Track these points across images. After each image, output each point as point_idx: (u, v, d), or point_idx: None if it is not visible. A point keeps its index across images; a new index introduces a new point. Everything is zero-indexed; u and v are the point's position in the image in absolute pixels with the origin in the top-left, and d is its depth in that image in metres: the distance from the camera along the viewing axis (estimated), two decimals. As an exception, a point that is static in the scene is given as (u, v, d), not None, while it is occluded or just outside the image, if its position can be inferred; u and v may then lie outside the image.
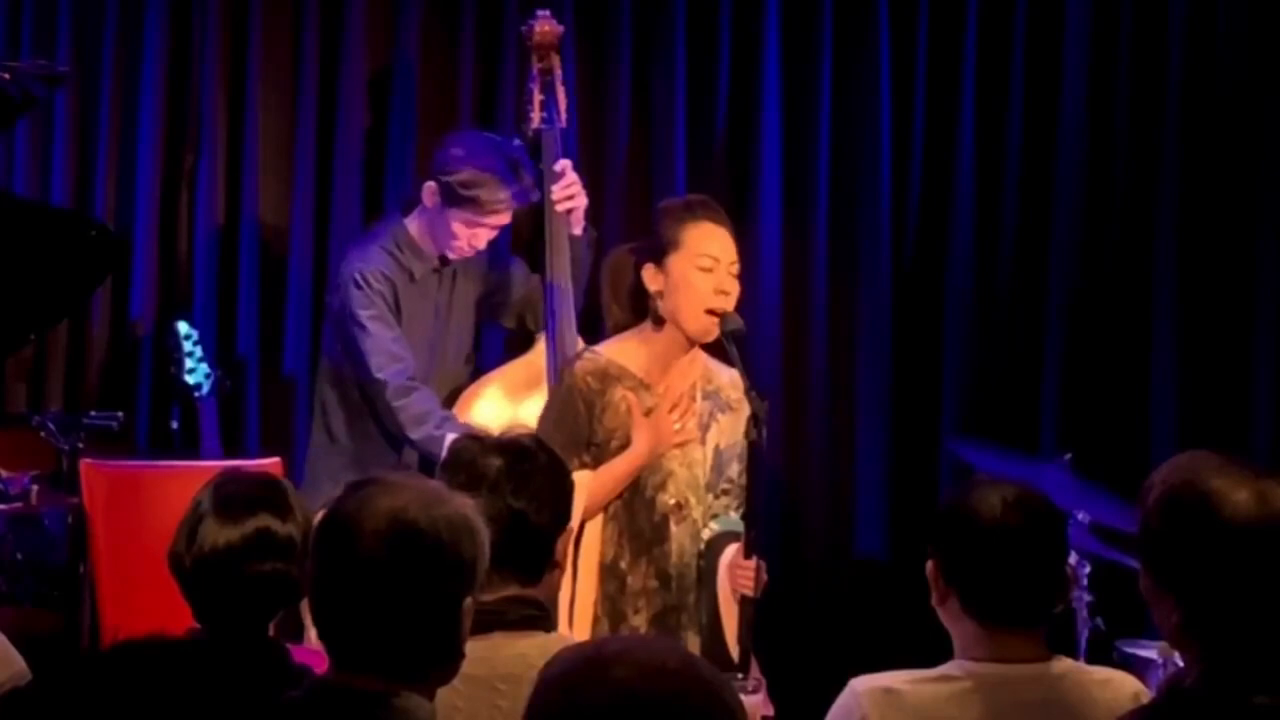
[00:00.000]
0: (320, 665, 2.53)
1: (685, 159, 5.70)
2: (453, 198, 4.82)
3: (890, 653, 3.31)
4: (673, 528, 4.06)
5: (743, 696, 2.44)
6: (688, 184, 5.65)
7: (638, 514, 4.05)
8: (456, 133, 5.15)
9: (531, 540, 2.98)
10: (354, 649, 2.40)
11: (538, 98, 4.95)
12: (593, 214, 5.61)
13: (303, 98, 5.62)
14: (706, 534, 4.09)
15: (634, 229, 5.64)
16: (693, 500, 4.08)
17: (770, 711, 3.97)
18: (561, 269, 4.85)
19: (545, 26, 4.98)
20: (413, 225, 4.95)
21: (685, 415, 4.05)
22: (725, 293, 4.01)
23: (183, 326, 5.12)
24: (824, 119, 5.74)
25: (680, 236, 4.05)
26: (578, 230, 4.93)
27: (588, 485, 3.93)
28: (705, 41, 5.72)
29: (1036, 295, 5.76)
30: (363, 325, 4.82)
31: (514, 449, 3.03)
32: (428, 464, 4.78)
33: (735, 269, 4.06)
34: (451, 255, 4.94)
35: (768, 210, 5.71)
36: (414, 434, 4.76)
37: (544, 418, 4.11)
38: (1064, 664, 2.90)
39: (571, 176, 4.90)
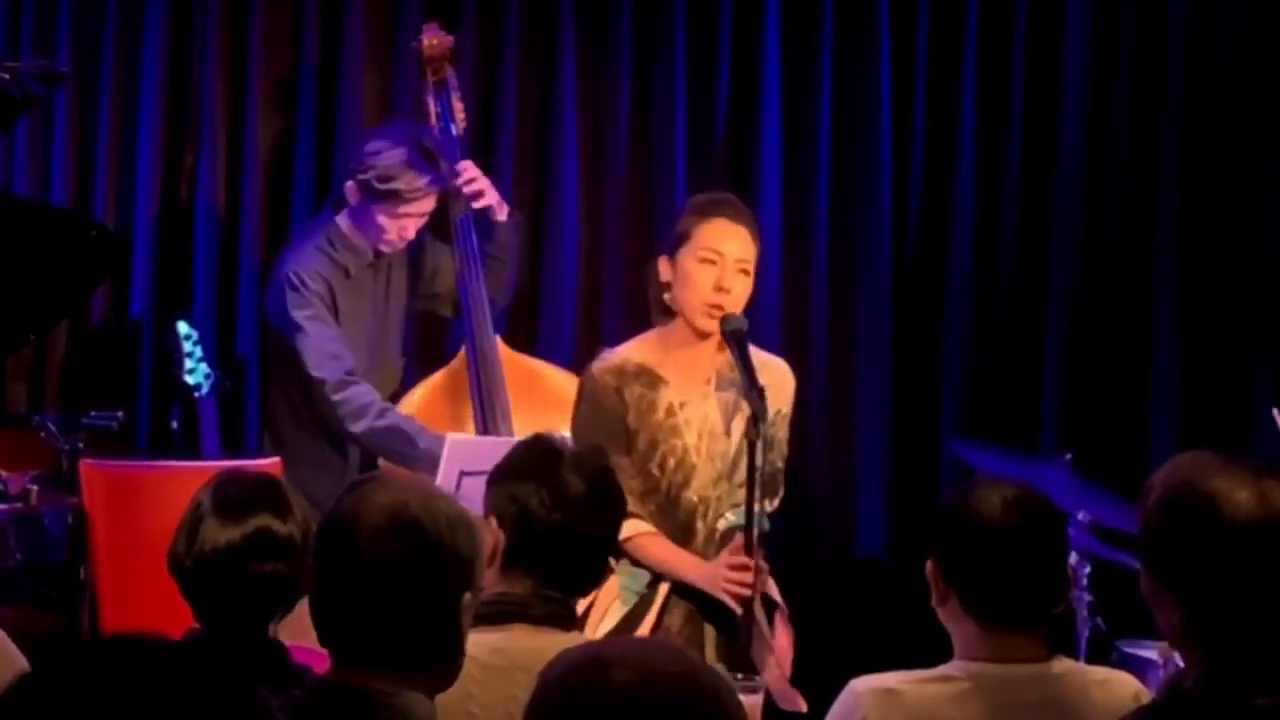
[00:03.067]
0: (320, 665, 2.53)
1: (685, 159, 5.70)
2: (373, 193, 4.87)
3: (890, 653, 3.31)
4: (698, 524, 4.07)
5: (743, 697, 2.44)
6: (688, 184, 5.65)
7: (664, 513, 4.05)
8: (371, 129, 5.20)
9: (597, 561, 3.07)
10: (355, 646, 2.41)
11: (434, 109, 5.02)
12: (592, 213, 5.63)
13: (303, 98, 5.62)
14: (722, 524, 4.09)
15: (634, 229, 5.65)
16: (712, 495, 4.08)
17: (804, 707, 3.97)
18: (468, 270, 4.91)
19: (433, 39, 5.07)
20: (344, 222, 4.99)
21: (740, 579, 3.94)
22: (725, 290, 4.00)
23: (183, 326, 5.12)
24: (824, 119, 5.74)
25: (691, 230, 4.06)
26: (502, 216, 5.00)
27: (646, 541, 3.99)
28: (705, 41, 5.72)
29: (1036, 295, 5.76)
30: (299, 326, 4.85)
31: (598, 474, 3.07)
32: (371, 461, 4.83)
33: (745, 266, 4.05)
34: (385, 249, 4.98)
35: (768, 210, 5.70)
36: (355, 428, 4.80)
37: (575, 422, 4.10)
38: (1064, 664, 2.90)
39: (469, 165, 4.96)
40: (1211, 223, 5.70)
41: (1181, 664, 2.55)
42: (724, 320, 3.96)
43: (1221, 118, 5.70)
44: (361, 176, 4.88)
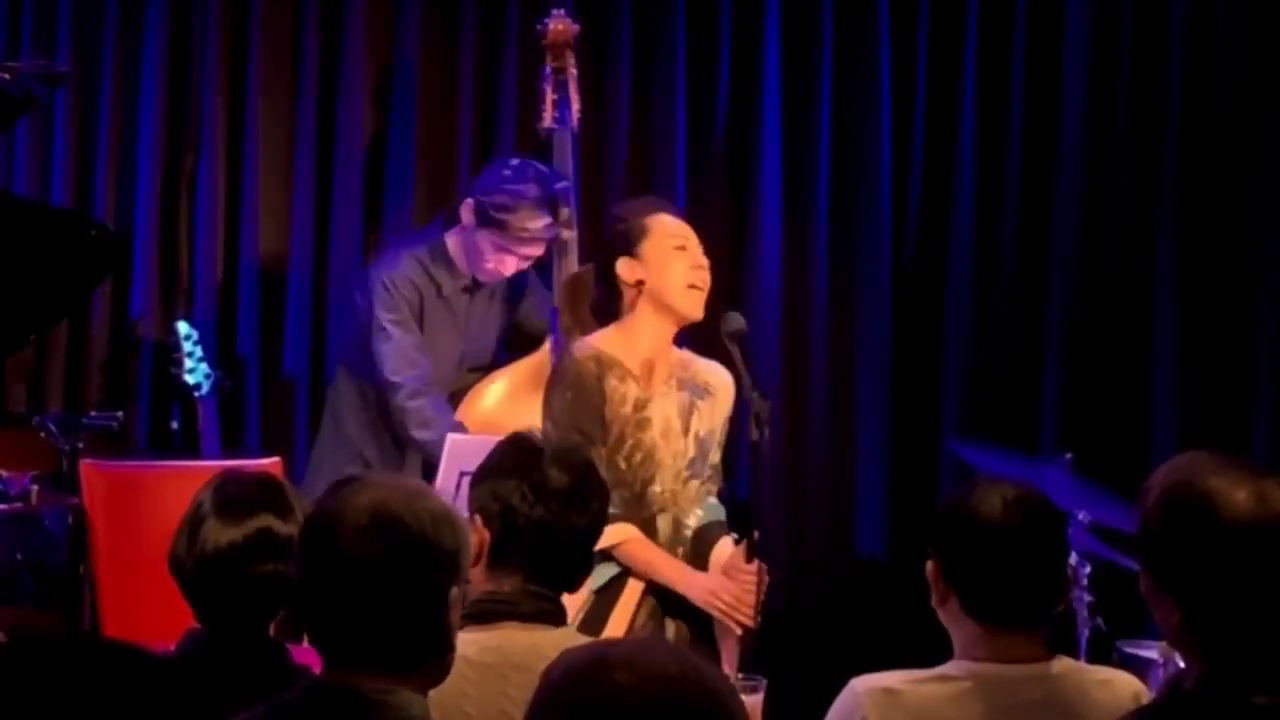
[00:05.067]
0: (319, 666, 2.53)
1: (685, 159, 5.70)
2: (485, 218, 4.84)
3: (890, 653, 3.31)
4: (660, 522, 4.08)
5: (743, 697, 2.44)
6: (688, 184, 5.66)
7: (629, 507, 4.05)
8: (507, 157, 5.12)
9: (583, 555, 3.05)
10: (344, 647, 2.40)
11: (550, 97, 4.94)
12: (593, 214, 5.63)
13: (303, 98, 5.62)
14: (692, 521, 4.09)
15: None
16: (675, 489, 4.09)
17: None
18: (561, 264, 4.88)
19: (559, 25, 4.97)
20: (451, 241, 4.97)
21: (735, 612, 3.95)
22: (701, 267, 4.07)
23: (183, 326, 5.12)
24: (824, 119, 5.75)
25: (646, 224, 4.11)
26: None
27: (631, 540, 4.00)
28: (705, 41, 5.73)
29: (1036, 295, 5.77)
30: (384, 329, 4.86)
31: (580, 467, 3.06)
32: (430, 469, 4.80)
33: (702, 249, 4.12)
34: (480, 277, 4.96)
35: (768, 210, 5.71)
36: (418, 434, 4.78)
37: (557, 409, 4.09)
38: (1064, 664, 2.90)
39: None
40: (1211, 223, 5.70)
41: (1182, 664, 2.55)
42: (724, 320, 3.97)
43: (1221, 118, 5.70)
44: (483, 198, 4.83)
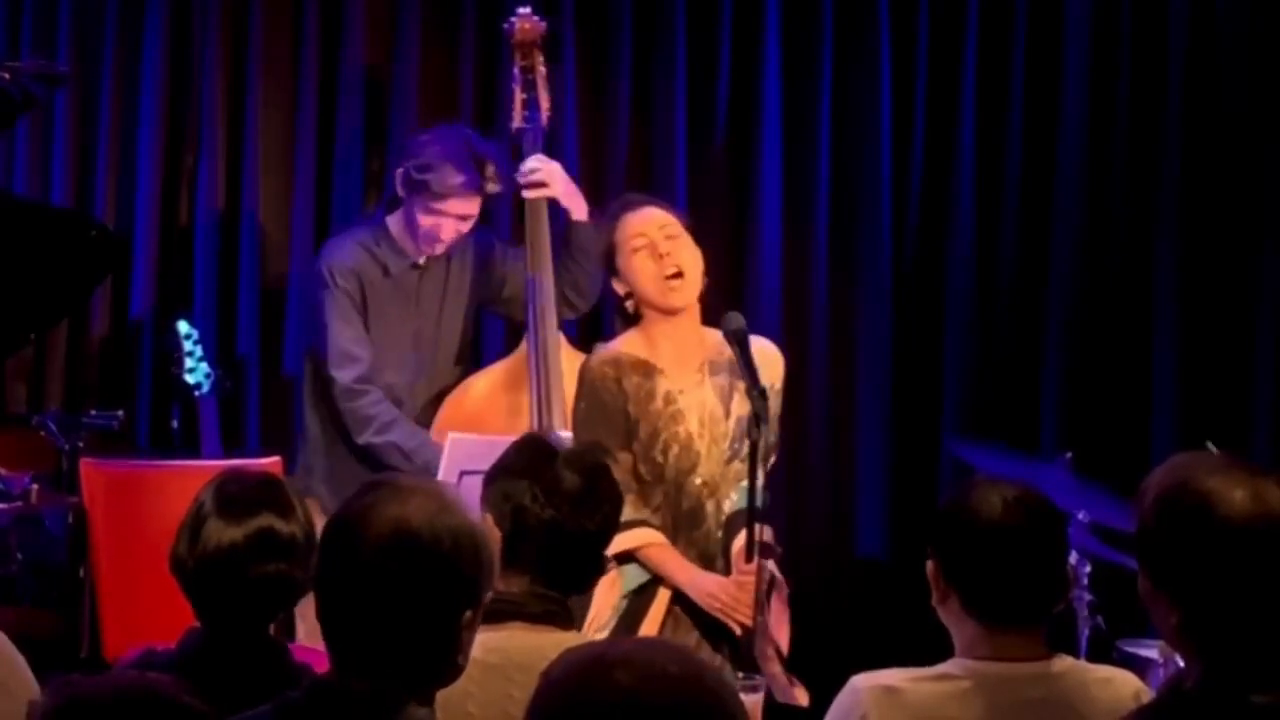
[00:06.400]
0: (319, 665, 2.53)
1: (685, 159, 5.70)
2: (411, 183, 4.84)
3: (890, 653, 3.31)
4: (707, 506, 4.08)
5: (743, 696, 2.44)
6: (688, 184, 5.66)
7: (670, 500, 4.06)
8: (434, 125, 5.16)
9: (593, 558, 3.05)
10: (353, 652, 2.39)
11: (520, 96, 4.97)
12: (592, 214, 5.63)
13: (302, 97, 5.62)
14: (728, 506, 4.09)
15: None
16: (718, 474, 4.09)
17: (804, 702, 3.97)
18: (540, 264, 4.86)
19: (526, 24, 4.98)
20: (394, 223, 4.96)
21: (735, 602, 3.98)
22: (665, 254, 4.07)
23: (183, 326, 5.12)
24: (824, 119, 5.75)
25: (613, 240, 4.16)
26: (580, 216, 4.91)
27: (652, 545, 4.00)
28: (705, 41, 5.73)
29: (1036, 295, 5.77)
30: (325, 323, 4.87)
31: (592, 470, 3.06)
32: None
33: (671, 231, 4.12)
34: (423, 249, 4.93)
35: (768, 210, 5.71)
36: (359, 438, 4.83)
37: (575, 419, 4.12)
38: (1065, 663, 2.90)
39: (535, 163, 4.88)
40: (1212, 223, 5.70)
41: (1182, 664, 2.55)
42: (724, 320, 3.97)
43: (1222, 117, 5.70)
44: (407, 163, 4.85)
